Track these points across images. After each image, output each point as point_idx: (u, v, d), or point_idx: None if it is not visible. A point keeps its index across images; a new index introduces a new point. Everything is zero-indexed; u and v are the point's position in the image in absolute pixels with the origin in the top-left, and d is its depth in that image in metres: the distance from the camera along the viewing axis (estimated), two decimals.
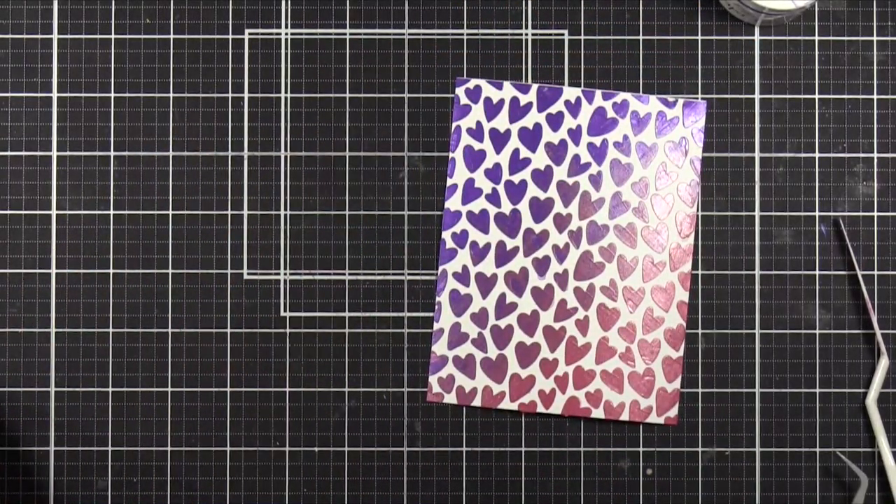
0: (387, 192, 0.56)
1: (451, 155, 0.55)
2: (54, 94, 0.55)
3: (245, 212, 0.56)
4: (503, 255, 0.55)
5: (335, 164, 0.56)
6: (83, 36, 0.56)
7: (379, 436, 0.55)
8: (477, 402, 0.55)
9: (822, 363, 0.55)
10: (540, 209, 0.55)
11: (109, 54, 0.56)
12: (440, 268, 0.55)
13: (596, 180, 0.55)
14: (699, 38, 0.56)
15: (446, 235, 0.55)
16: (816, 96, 0.56)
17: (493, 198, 0.55)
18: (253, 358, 0.56)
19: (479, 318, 0.55)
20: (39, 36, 0.56)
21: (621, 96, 0.55)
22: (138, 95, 0.56)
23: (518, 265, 0.55)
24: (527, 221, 0.55)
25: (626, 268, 0.55)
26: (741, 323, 0.55)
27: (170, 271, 0.56)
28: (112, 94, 0.56)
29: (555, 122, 0.55)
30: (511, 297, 0.55)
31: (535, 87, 0.55)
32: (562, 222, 0.55)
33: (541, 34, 0.56)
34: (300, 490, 0.55)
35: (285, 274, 0.56)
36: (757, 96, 0.56)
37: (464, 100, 0.55)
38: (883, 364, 0.54)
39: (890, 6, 0.56)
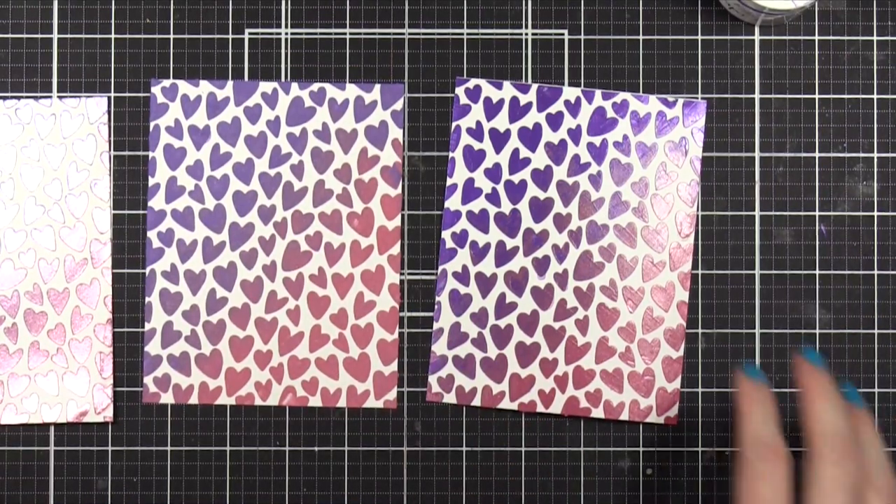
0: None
1: (450, 155, 0.55)
2: (54, 95, 0.55)
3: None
4: (503, 255, 0.55)
5: None
6: (83, 36, 0.56)
7: (379, 436, 0.55)
8: (477, 402, 0.55)
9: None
10: (540, 209, 0.55)
11: (109, 54, 0.56)
12: (440, 267, 0.55)
13: (596, 180, 0.55)
14: (699, 38, 0.56)
15: (446, 235, 0.55)
16: (816, 96, 0.56)
17: (493, 198, 0.55)
18: None
19: (479, 318, 0.55)
20: (39, 36, 0.56)
21: (621, 96, 0.55)
22: (138, 95, 0.56)
23: (518, 265, 0.55)
24: (527, 221, 0.55)
25: (626, 268, 0.55)
26: (741, 323, 0.55)
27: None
28: (112, 94, 0.55)
29: (555, 121, 0.55)
30: (511, 297, 0.55)
31: (534, 86, 0.55)
32: (562, 222, 0.55)
33: (541, 34, 0.56)
34: (300, 490, 0.55)
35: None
36: (757, 96, 0.56)
37: (464, 99, 0.55)
38: None
39: (890, 6, 0.56)
